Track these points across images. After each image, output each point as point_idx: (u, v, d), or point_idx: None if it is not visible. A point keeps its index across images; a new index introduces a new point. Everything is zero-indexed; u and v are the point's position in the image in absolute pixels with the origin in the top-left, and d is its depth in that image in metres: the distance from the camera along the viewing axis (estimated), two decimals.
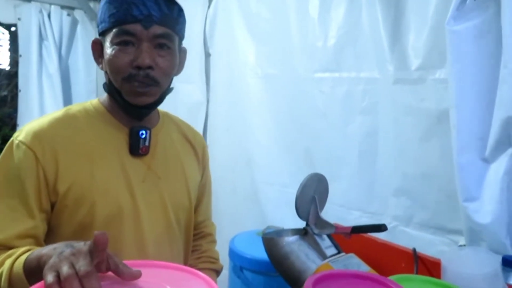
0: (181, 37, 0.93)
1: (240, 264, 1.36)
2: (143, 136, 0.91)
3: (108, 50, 0.85)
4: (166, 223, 0.95)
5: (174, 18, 0.87)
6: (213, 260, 1.12)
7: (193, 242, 1.10)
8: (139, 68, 0.83)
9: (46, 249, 0.65)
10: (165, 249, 0.93)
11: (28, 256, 0.69)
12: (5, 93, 4.91)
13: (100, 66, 0.90)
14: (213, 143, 2.11)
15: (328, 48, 1.54)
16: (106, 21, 0.85)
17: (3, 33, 4.95)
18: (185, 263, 1.04)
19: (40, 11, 2.61)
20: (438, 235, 1.31)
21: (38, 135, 0.83)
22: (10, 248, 0.77)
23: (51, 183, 0.82)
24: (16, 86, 2.81)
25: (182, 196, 0.99)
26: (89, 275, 0.54)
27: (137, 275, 0.56)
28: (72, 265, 0.55)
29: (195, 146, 1.08)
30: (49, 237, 0.86)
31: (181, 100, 2.21)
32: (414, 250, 0.91)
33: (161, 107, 2.57)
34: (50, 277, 0.54)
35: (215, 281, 1.09)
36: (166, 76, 0.88)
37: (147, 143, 0.91)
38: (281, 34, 1.70)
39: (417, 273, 0.87)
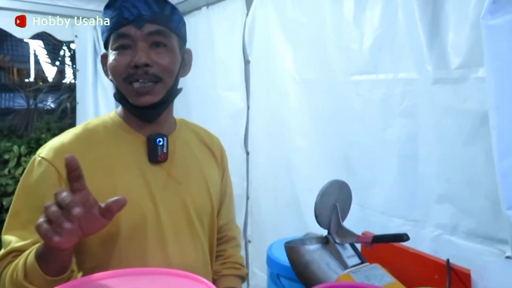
0: (181, 37, 0.94)
1: (277, 271, 1.35)
2: (161, 143, 0.92)
3: (110, 56, 0.89)
4: (189, 228, 0.96)
5: (167, 16, 0.89)
6: (238, 266, 1.12)
7: (218, 247, 1.11)
8: (136, 67, 0.85)
9: None
10: (189, 254, 0.95)
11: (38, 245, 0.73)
12: (66, 105, 5.31)
13: (109, 77, 0.92)
14: (254, 149, 2.12)
15: (364, 50, 1.49)
16: (105, 30, 0.90)
17: (64, 50, 5.36)
18: (211, 267, 1.05)
19: (94, 28, 2.78)
20: (486, 244, 1.22)
21: (59, 151, 0.87)
22: None
23: None
24: (75, 98, 3.00)
25: (204, 200, 1.00)
26: (72, 203, 0.60)
27: (122, 202, 0.65)
28: (59, 205, 0.61)
29: (213, 150, 1.09)
30: (79, 248, 0.89)
31: (223, 108, 2.25)
32: (448, 261, 0.85)
33: (203, 116, 2.62)
34: (40, 220, 0.61)
35: (240, 287, 1.09)
36: (167, 73, 0.89)
37: (165, 150, 0.93)
38: (317, 38, 1.67)
39: (449, 286, 0.81)
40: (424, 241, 1.35)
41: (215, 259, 1.10)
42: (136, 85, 0.86)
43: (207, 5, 2.31)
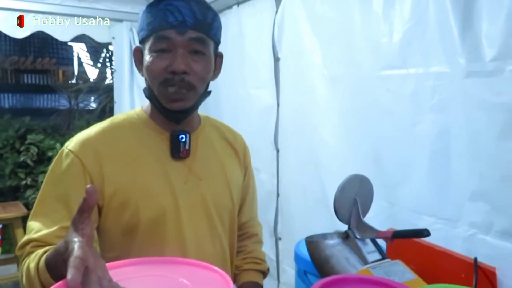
0: (217, 42, 0.97)
1: (304, 268, 1.35)
2: (183, 140, 0.94)
3: (147, 57, 0.91)
4: (208, 223, 0.97)
5: (208, 24, 0.91)
6: (259, 261, 1.13)
7: (239, 242, 1.12)
8: (174, 73, 0.87)
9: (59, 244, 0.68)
10: (207, 248, 0.96)
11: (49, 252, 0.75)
12: (106, 104, 5.53)
13: (141, 72, 0.95)
14: (284, 146, 2.12)
15: (393, 44, 1.46)
16: (144, 29, 0.91)
17: (104, 52, 5.57)
18: (232, 262, 1.06)
19: (131, 30, 2.87)
20: None
21: (85, 144, 0.91)
22: (50, 245, 0.82)
23: (98, 188, 0.88)
24: (113, 98, 3.11)
25: (224, 196, 1.01)
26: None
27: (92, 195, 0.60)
28: None
29: (236, 147, 1.10)
30: (101, 237, 0.94)
31: (253, 105, 2.26)
32: (475, 259, 0.82)
33: (234, 113, 2.65)
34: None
35: (262, 283, 1.09)
36: (201, 81, 0.92)
37: (187, 146, 0.95)
38: (346, 33, 1.65)
39: (476, 285, 0.78)
40: (457, 240, 1.30)
41: (237, 254, 1.11)
42: (171, 89, 0.89)
43: (238, 3, 2.33)
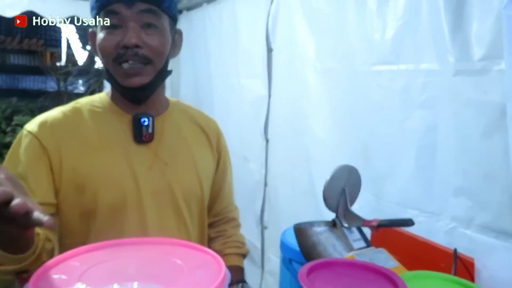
0: (173, 18, 0.93)
1: (289, 256, 1.38)
2: (146, 123, 0.91)
3: (99, 35, 0.87)
4: (174, 210, 0.95)
5: None
6: (239, 245, 1.13)
7: (218, 227, 1.12)
8: (126, 47, 0.84)
9: None
10: (172, 237, 0.95)
11: None
12: (95, 88, 5.47)
13: (99, 56, 0.91)
14: (273, 137, 2.14)
15: (386, 40, 1.48)
16: (94, 6, 0.87)
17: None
18: None
19: None
20: (501, 239, 1.20)
21: (44, 125, 0.89)
22: None
23: (57, 168, 0.87)
24: (102, 82, 3.08)
25: (192, 183, 0.98)
26: None
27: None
28: None
29: (208, 133, 1.06)
30: (60, 222, 0.90)
31: (245, 95, 2.27)
32: (455, 250, 0.86)
33: (226, 103, 2.64)
34: None
35: (243, 265, 1.11)
36: (157, 55, 0.88)
37: (150, 130, 0.92)
38: (340, 28, 1.67)
39: (455, 273, 0.82)
40: (439, 233, 1.35)
41: (216, 239, 1.11)
42: (125, 66, 0.86)
43: None
